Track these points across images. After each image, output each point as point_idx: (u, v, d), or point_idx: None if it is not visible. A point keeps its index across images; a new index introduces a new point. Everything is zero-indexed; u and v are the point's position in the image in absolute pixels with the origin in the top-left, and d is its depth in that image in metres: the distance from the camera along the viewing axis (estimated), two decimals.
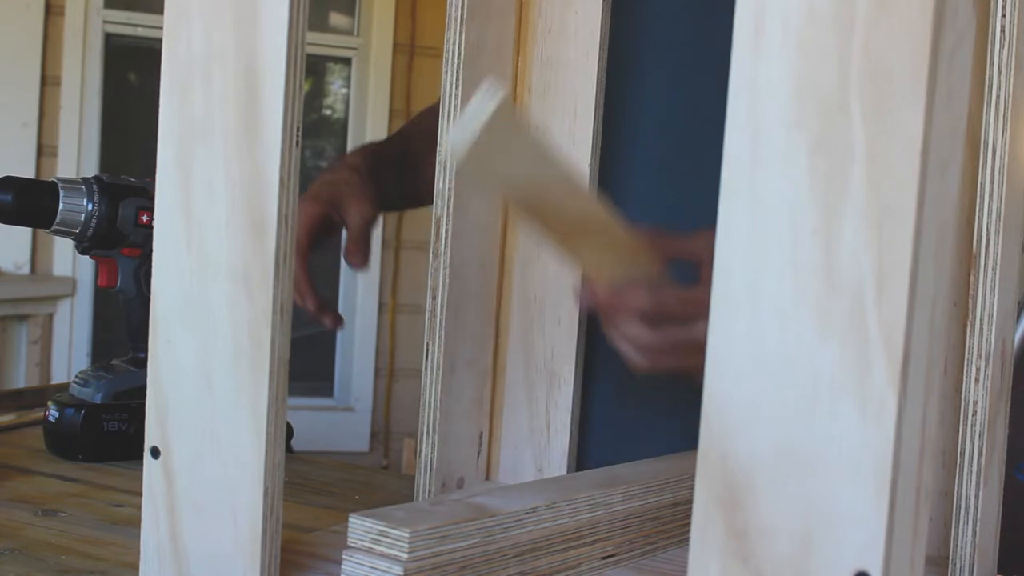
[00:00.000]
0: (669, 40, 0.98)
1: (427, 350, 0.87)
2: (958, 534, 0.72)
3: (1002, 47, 0.70)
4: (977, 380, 0.71)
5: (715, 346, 0.48)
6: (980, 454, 0.71)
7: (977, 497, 0.71)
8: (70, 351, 3.32)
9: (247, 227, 0.61)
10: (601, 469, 0.81)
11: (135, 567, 0.66)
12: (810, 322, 0.45)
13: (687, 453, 0.84)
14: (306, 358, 3.53)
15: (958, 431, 0.71)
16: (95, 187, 1.02)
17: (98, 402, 1.03)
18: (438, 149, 0.86)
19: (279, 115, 0.60)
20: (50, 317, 3.28)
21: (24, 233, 3.20)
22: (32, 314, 3.21)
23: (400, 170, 1.18)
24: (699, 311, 0.78)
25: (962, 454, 0.71)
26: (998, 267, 0.71)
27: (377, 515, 0.63)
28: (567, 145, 0.90)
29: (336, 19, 3.77)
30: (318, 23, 3.67)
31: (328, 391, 3.69)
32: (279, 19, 0.60)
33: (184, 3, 0.63)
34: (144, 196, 1.04)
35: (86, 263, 3.24)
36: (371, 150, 1.18)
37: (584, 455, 0.95)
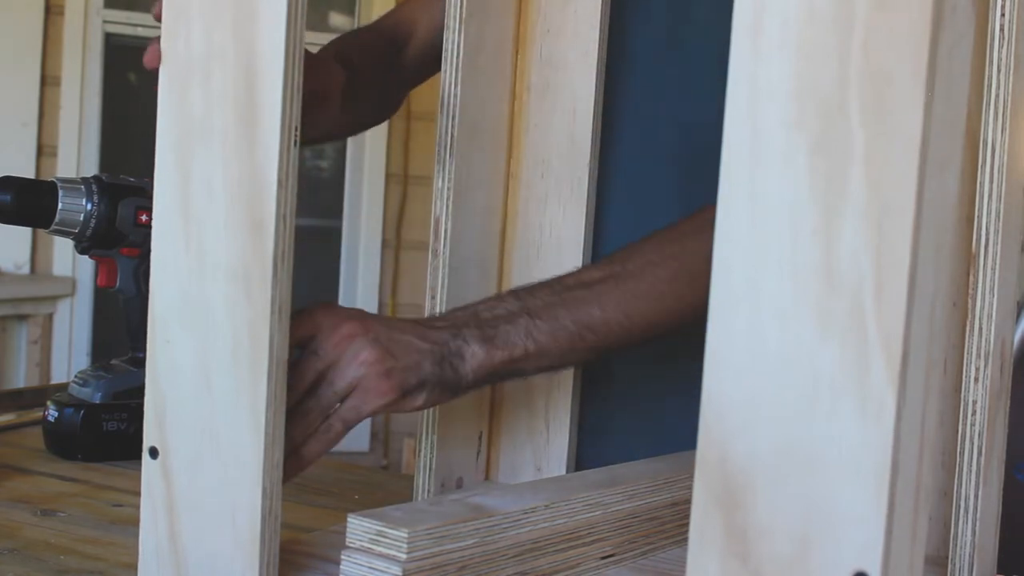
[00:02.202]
0: (669, 39, 0.98)
1: None
2: (958, 534, 0.71)
3: (1002, 46, 0.70)
4: (977, 380, 0.71)
5: (715, 345, 0.48)
6: (980, 454, 0.71)
7: (977, 497, 0.71)
8: (70, 351, 3.32)
9: (246, 227, 0.61)
10: (600, 469, 0.81)
11: (134, 567, 0.66)
12: (810, 322, 0.45)
13: (687, 453, 0.84)
14: None
15: (958, 431, 0.71)
16: (94, 187, 1.02)
17: (97, 402, 1.03)
18: (437, 147, 0.86)
19: (278, 115, 0.60)
20: (50, 317, 3.28)
21: (24, 233, 3.19)
22: (32, 314, 3.21)
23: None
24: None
25: (962, 454, 0.71)
26: (998, 267, 0.70)
27: (376, 515, 0.63)
28: (567, 144, 0.90)
29: (336, 19, 3.77)
30: (317, 23, 3.66)
31: None
32: (278, 19, 0.60)
33: (184, 3, 0.63)
34: (143, 196, 1.04)
35: (86, 263, 3.24)
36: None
37: (583, 455, 0.95)
